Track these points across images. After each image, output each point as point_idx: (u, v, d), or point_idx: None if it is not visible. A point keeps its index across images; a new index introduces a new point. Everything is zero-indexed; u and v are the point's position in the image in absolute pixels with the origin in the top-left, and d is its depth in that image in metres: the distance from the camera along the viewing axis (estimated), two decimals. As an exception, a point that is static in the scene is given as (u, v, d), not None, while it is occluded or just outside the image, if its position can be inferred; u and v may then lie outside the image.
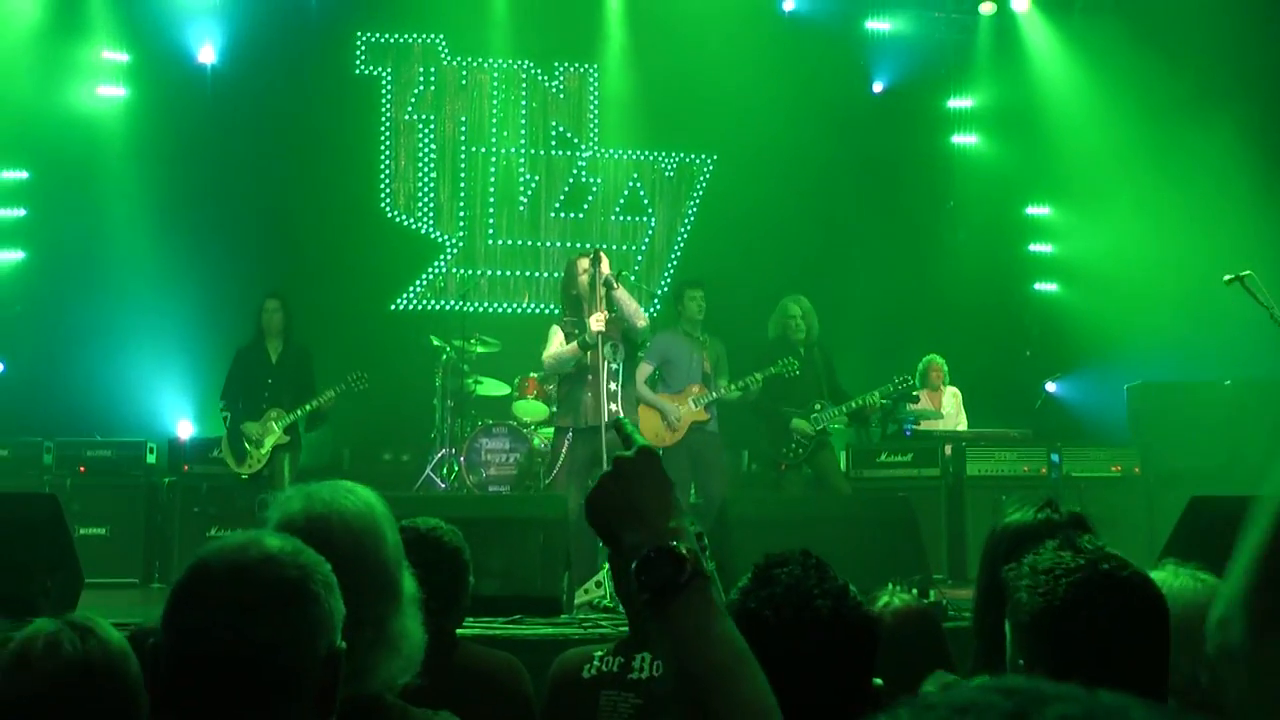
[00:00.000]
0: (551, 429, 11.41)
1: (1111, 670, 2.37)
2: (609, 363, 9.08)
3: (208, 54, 13.81)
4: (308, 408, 10.73)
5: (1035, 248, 15.54)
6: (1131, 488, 11.78)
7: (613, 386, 9.08)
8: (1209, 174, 12.68)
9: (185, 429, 12.73)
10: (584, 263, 9.33)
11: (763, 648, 2.31)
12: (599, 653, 4.14)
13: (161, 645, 1.88)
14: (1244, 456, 11.88)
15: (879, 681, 2.48)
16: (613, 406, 9.01)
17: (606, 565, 7.31)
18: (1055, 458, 11.87)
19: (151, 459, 11.44)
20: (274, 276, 11.47)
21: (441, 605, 4.20)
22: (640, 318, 9.35)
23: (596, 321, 8.99)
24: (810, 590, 2.53)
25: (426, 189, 14.63)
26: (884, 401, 11.46)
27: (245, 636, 1.83)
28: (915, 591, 4.55)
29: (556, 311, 9.89)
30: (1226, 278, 8.68)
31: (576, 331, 9.27)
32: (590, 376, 9.06)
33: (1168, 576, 3.25)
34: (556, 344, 9.39)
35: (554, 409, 10.86)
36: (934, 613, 4.31)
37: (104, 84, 13.69)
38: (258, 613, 1.84)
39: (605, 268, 9.05)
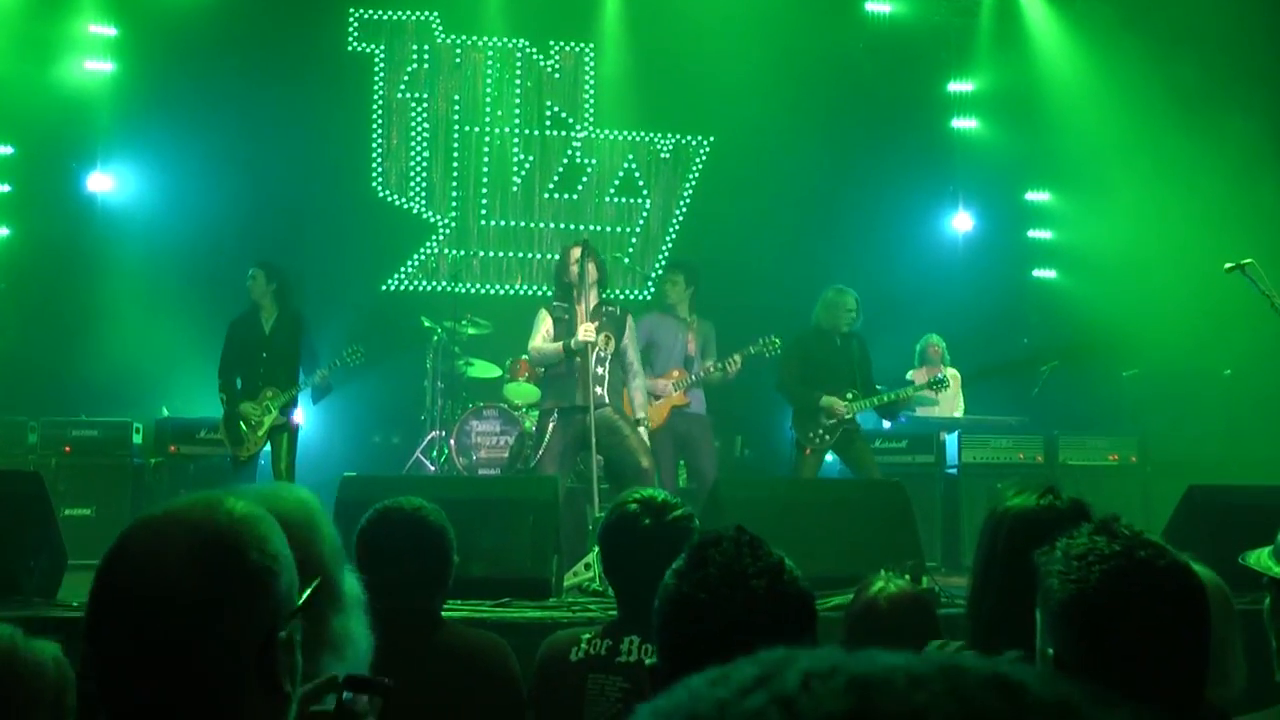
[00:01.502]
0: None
1: (1146, 662, 2.30)
2: (600, 351, 9.07)
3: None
4: (303, 386, 10.67)
5: (1035, 234, 15.53)
6: (1128, 476, 11.76)
7: (600, 371, 9.07)
8: (1211, 161, 12.68)
9: (173, 409, 12.68)
10: (575, 252, 9.31)
11: (699, 630, 2.29)
12: (587, 635, 4.13)
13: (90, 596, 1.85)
14: (1242, 446, 11.90)
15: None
16: (598, 390, 9.00)
17: (596, 548, 7.29)
18: (1052, 445, 11.85)
19: (138, 439, 11.38)
20: (264, 255, 11.40)
21: (425, 585, 4.19)
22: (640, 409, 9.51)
23: (585, 332, 9.00)
24: (744, 569, 2.52)
25: (419, 169, 14.59)
26: (917, 395, 11.52)
27: (168, 588, 1.80)
28: (908, 578, 4.52)
29: (550, 294, 9.83)
30: (1227, 266, 8.67)
31: (565, 318, 9.24)
32: (578, 359, 9.05)
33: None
34: (543, 334, 9.35)
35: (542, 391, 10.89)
36: (928, 599, 4.30)
37: (91, 59, 13.64)
38: (188, 564, 1.81)
39: (584, 334, 9.09)
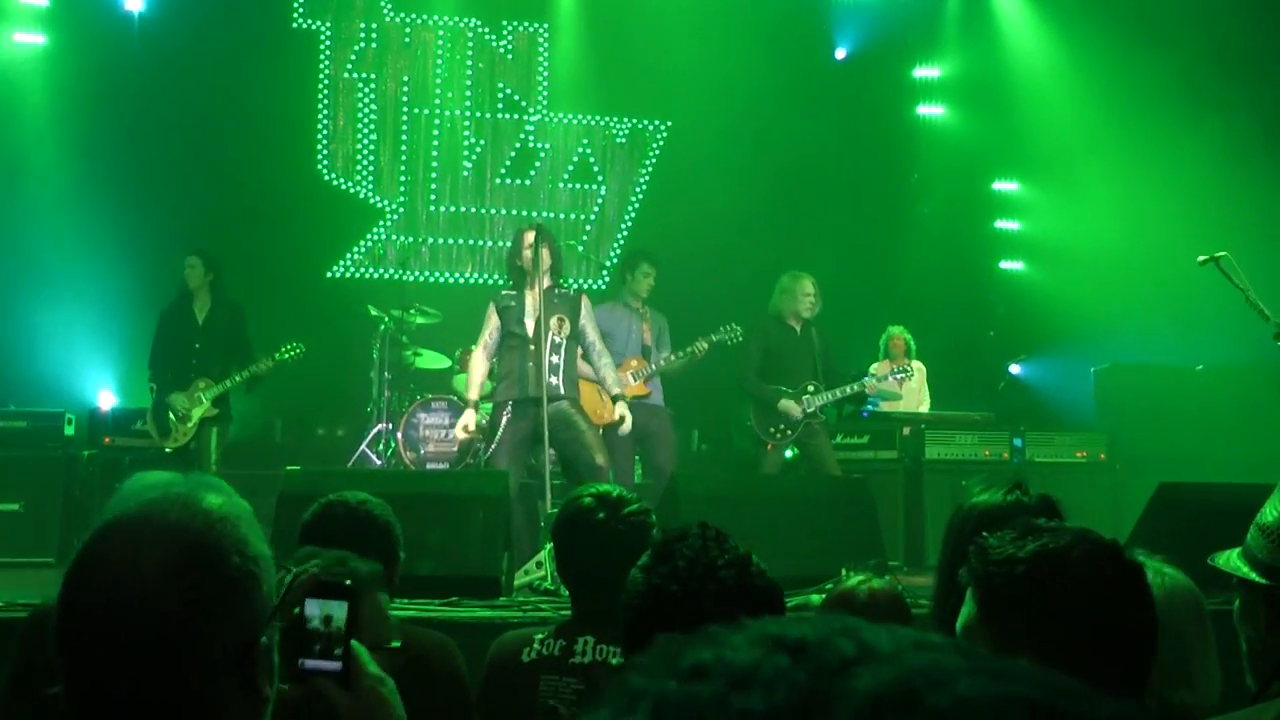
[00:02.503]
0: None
1: (1083, 646, 2.31)
2: (553, 335, 9.05)
3: (134, 0, 13.61)
4: (237, 379, 10.62)
5: (1001, 224, 15.60)
6: (1097, 474, 11.82)
7: (554, 360, 9.04)
8: (1185, 152, 12.76)
9: (107, 399, 12.58)
10: (529, 236, 9.28)
11: (669, 622, 2.29)
12: (539, 636, 4.11)
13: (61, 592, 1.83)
14: (1214, 444, 11.98)
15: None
16: (553, 379, 8.98)
17: (549, 545, 7.28)
18: (1018, 442, 11.90)
19: (70, 430, 11.22)
20: (203, 240, 11.31)
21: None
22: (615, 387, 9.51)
23: (463, 430, 9.44)
24: (713, 561, 2.55)
25: (366, 151, 14.52)
26: (881, 389, 11.56)
27: (146, 590, 1.77)
28: (888, 578, 4.52)
29: (501, 282, 9.81)
30: (1201, 259, 8.70)
31: (513, 305, 9.21)
32: (531, 348, 9.01)
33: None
34: (486, 336, 9.32)
35: (494, 382, 10.86)
36: (904, 600, 4.29)
37: (21, 30, 13.48)
38: (166, 573, 1.79)
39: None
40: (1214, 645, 3.56)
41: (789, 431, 10.60)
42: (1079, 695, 0.73)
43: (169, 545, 1.79)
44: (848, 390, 10.88)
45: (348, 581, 2.25)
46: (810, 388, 10.67)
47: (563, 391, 9.05)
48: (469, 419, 9.31)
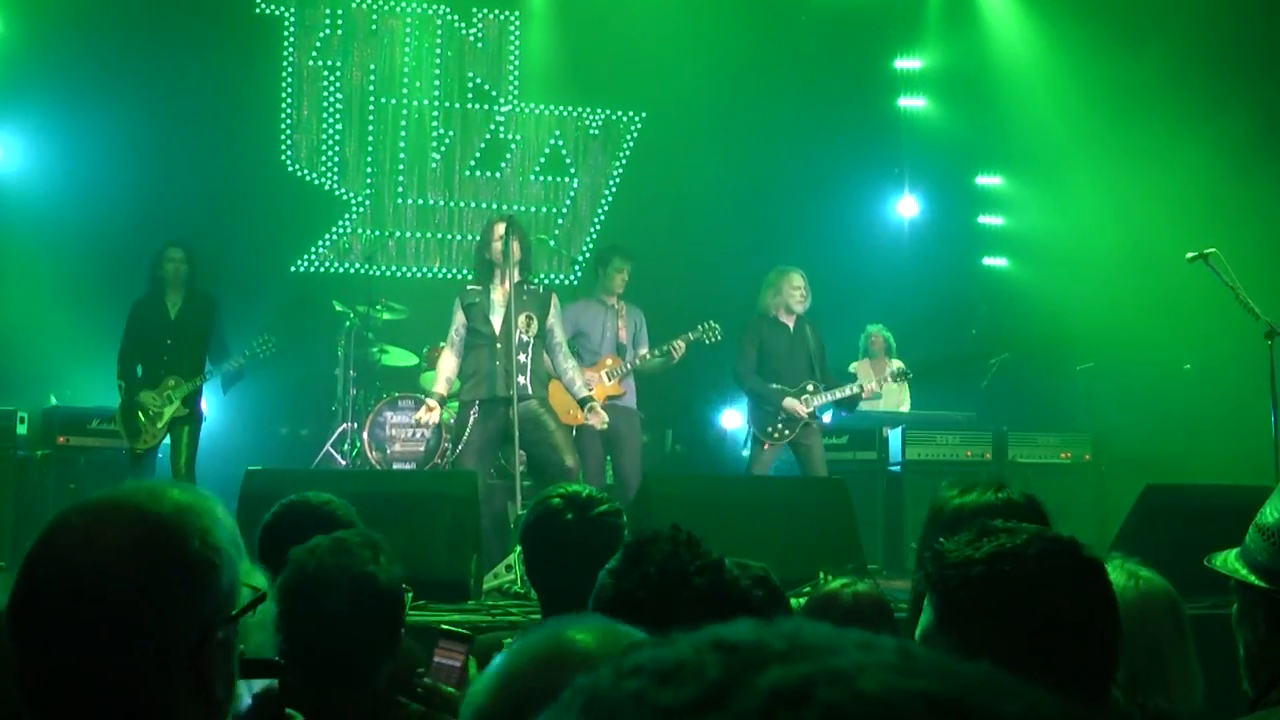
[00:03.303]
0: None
1: (1043, 645, 2.30)
2: (520, 333, 9.03)
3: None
4: (207, 377, 10.52)
5: (985, 219, 15.61)
6: (1082, 476, 11.86)
7: (522, 359, 9.03)
8: (1173, 146, 12.77)
9: (62, 397, 12.48)
10: (500, 228, 9.27)
11: (639, 629, 2.27)
12: (508, 640, 4.09)
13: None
14: (1202, 445, 12.01)
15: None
16: (521, 379, 8.96)
17: (518, 548, 7.26)
18: (1001, 442, 11.92)
19: (23, 430, 11.13)
20: (163, 231, 11.23)
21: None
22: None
23: (427, 413, 9.37)
24: (685, 567, 2.54)
25: (331, 142, 14.47)
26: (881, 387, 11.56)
27: (102, 579, 1.76)
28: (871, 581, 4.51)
29: (471, 277, 9.77)
30: (1189, 255, 8.74)
31: (477, 300, 9.19)
32: (499, 346, 9.00)
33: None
34: (452, 333, 9.32)
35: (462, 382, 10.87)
36: (889, 604, 4.28)
37: (-23, 17, 13.39)
38: (124, 552, 1.77)
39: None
40: (1193, 650, 3.56)
41: (787, 431, 10.58)
42: (992, 690, 0.73)
43: (129, 526, 1.80)
44: (846, 392, 10.85)
45: (277, 659, 2.25)
46: (810, 387, 10.66)
47: (531, 391, 9.04)
48: (433, 408, 9.29)
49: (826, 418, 11.23)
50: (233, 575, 1.88)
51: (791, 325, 10.82)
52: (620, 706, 0.75)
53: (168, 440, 10.47)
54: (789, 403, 10.54)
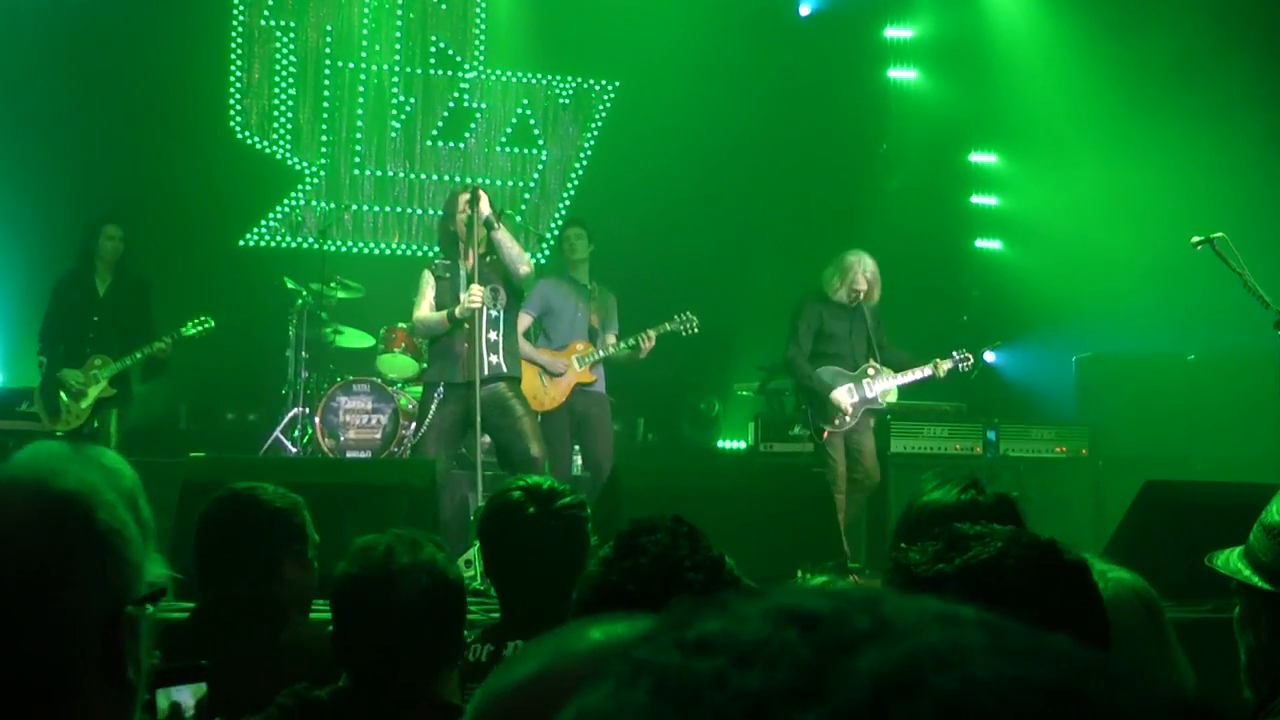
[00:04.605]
0: (421, 387, 11.34)
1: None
2: (488, 309, 9.01)
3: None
4: (138, 355, 10.50)
5: (978, 199, 15.63)
6: (1077, 471, 11.86)
7: (493, 336, 9.02)
8: (1178, 124, 12.77)
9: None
10: (464, 199, 9.24)
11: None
12: (467, 640, 4.08)
13: None
14: (1205, 440, 12.04)
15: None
16: (492, 358, 8.95)
17: (477, 544, 7.24)
18: (991, 435, 11.92)
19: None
20: (100, 203, 11.19)
21: (265, 576, 4.16)
22: (522, 263, 9.19)
23: (471, 298, 8.92)
24: (681, 561, 2.51)
25: (284, 108, 14.41)
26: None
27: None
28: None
29: (435, 254, 9.76)
30: (1195, 240, 8.74)
31: (448, 276, 9.17)
32: (466, 326, 8.98)
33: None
34: (426, 303, 9.30)
35: (424, 364, 10.81)
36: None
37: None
38: (27, 522, 1.76)
39: (485, 206, 9.00)
40: (1179, 653, 3.55)
41: (849, 418, 10.55)
42: (1109, 677, 0.72)
43: (32, 497, 1.79)
44: (914, 376, 10.81)
45: (202, 661, 2.23)
46: (870, 370, 10.65)
47: (505, 370, 9.04)
48: (475, 295, 9.02)
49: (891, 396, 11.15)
50: (140, 555, 1.88)
51: (850, 304, 10.78)
52: (699, 689, 0.72)
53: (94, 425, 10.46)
54: (836, 396, 10.52)
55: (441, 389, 9.06)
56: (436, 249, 9.71)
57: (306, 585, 4.34)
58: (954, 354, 11.09)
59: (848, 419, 10.55)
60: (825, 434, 10.60)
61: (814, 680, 0.70)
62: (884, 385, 10.67)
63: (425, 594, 3.40)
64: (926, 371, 10.86)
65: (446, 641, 3.52)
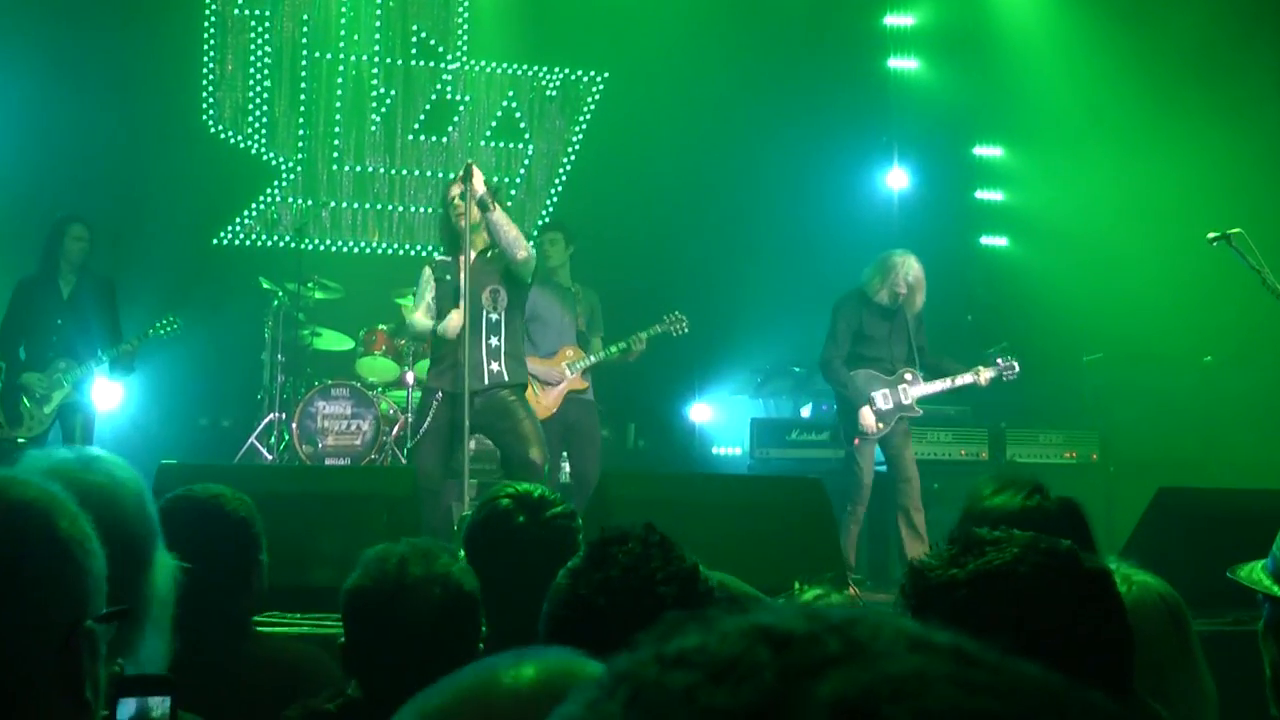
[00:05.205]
0: (402, 392, 11.35)
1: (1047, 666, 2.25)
2: (488, 312, 8.93)
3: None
4: (103, 358, 10.48)
5: (983, 194, 15.61)
6: (1088, 478, 11.84)
7: (494, 342, 8.91)
8: (1193, 116, 12.78)
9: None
10: (454, 189, 9.11)
11: (597, 640, 2.23)
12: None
13: None
14: (1221, 445, 12.03)
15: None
16: (493, 366, 8.87)
17: (461, 553, 7.21)
18: (999, 440, 11.91)
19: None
20: (62, 201, 11.18)
21: (220, 587, 4.14)
22: (520, 247, 8.92)
23: (450, 324, 8.85)
24: (652, 573, 2.51)
25: (259, 101, 14.39)
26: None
27: None
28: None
29: (416, 253, 9.72)
30: (1211, 236, 8.71)
31: (448, 278, 9.06)
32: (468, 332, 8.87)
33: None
34: (424, 305, 9.21)
35: (405, 367, 10.81)
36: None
37: None
38: None
39: (479, 184, 8.77)
40: (1203, 662, 3.54)
41: (882, 425, 10.52)
42: (1063, 711, 0.75)
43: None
44: (952, 383, 10.77)
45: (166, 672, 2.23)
46: (908, 376, 10.62)
47: (507, 378, 8.93)
48: (453, 321, 8.92)
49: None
50: (101, 569, 1.88)
51: (891, 306, 10.75)
52: (669, 704, 0.76)
53: (57, 431, 10.43)
54: (864, 414, 10.48)
55: (439, 395, 9.01)
56: (425, 247, 9.65)
57: (262, 592, 4.34)
58: (998, 360, 11.01)
59: (881, 426, 10.52)
60: (856, 441, 10.58)
61: (774, 702, 0.74)
62: (920, 391, 10.64)
63: (438, 607, 3.41)
64: (967, 379, 10.80)
65: (461, 654, 3.50)
